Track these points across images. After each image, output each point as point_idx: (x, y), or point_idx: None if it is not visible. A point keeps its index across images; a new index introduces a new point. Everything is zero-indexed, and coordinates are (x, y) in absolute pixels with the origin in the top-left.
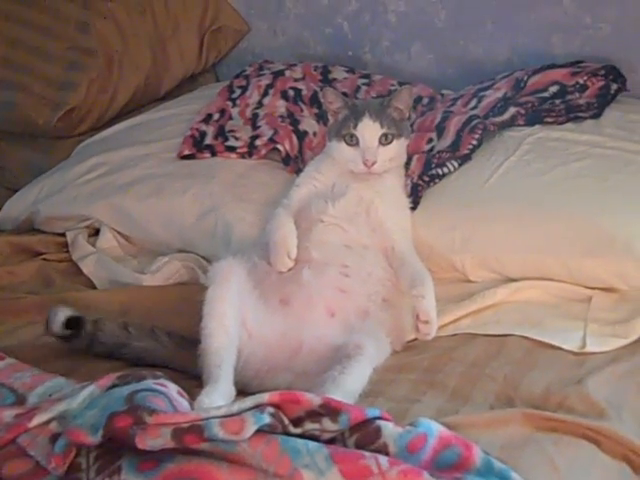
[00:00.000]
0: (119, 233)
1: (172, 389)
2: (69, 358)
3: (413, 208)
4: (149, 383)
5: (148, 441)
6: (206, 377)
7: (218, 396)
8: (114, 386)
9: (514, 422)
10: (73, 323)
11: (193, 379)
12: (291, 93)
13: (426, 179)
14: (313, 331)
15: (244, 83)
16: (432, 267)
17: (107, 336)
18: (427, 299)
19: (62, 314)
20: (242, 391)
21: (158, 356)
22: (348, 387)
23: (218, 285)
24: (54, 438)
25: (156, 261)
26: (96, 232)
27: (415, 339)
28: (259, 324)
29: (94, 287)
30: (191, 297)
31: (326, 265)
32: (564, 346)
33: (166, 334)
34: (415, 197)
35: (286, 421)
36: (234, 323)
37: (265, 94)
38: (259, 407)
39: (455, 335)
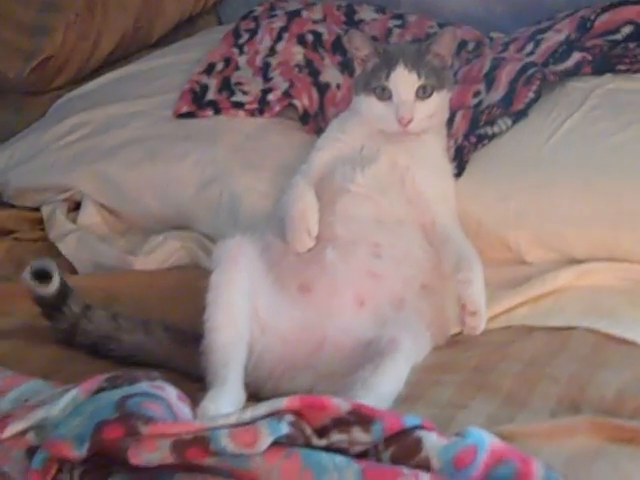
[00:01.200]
0: (104, 207)
1: (171, 393)
2: (46, 356)
3: (458, 175)
4: (144, 386)
5: (143, 455)
6: (211, 379)
7: (225, 401)
8: (101, 390)
9: (581, 432)
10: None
11: (195, 381)
12: (309, 38)
13: (473, 140)
14: (338, 323)
15: (253, 26)
16: (481, 246)
17: (93, 325)
18: (475, 285)
19: (36, 263)
20: (254, 395)
21: (153, 353)
22: (382, 390)
23: (224, 268)
24: (31, 451)
25: (149, 240)
26: (77, 206)
27: (459, 333)
28: (274, 315)
29: (75, 271)
30: (191, 283)
31: (354, 244)
32: None
33: (162, 327)
34: (460, 162)
35: (308, 431)
36: (244, 314)
37: (278, 39)
38: (276, 414)
39: (509, 327)
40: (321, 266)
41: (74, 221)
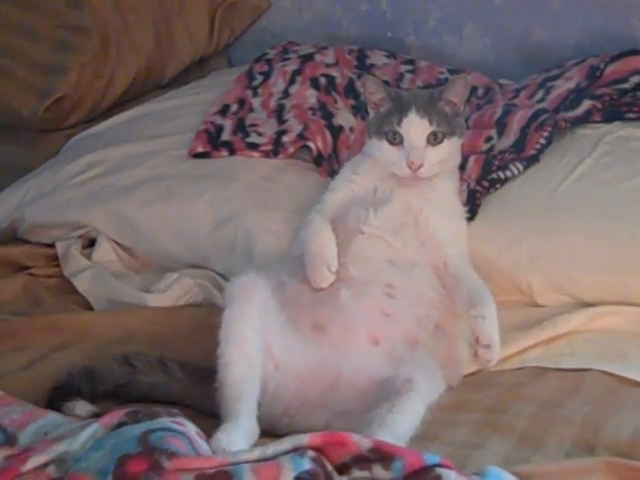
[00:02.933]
0: (119, 244)
1: (191, 429)
2: None
3: (470, 218)
4: (165, 421)
5: None
6: (225, 413)
7: (239, 434)
8: (122, 424)
9: (597, 473)
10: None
11: (211, 418)
12: (323, 81)
13: (485, 184)
14: (353, 362)
15: (266, 68)
16: (493, 288)
17: (108, 374)
18: (488, 320)
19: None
20: (269, 432)
21: (169, 392)
22: (398, 428)
23: (237, 305)
24: None
25: (164, 278)
26: (91, 243)
27: (473, 374)
28: (288, 352)
29: (90, 308)
30: (206, 321)
31: (367, 284)
32: None
33: (178, 365)
34: (472, 205)
35: (329, 467)
36: (257, 350)
37: (292, 82)
38: (298, 450)
39: (522, 369)
40: (335, 306)
41: (89, 258)
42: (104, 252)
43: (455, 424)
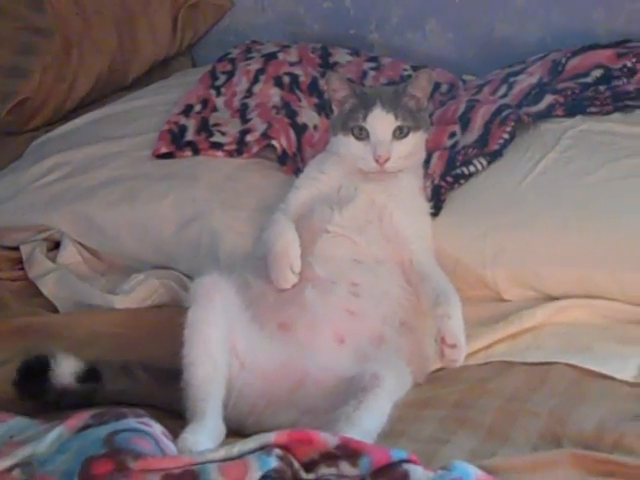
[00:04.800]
0: (84, 247)
1: (157, 429)
2: None
3: (435, 214)
4: (131, 422)
5: None
6: (190, 413)
7: (205, 434)
8: (87, 427)
9: (563, 465)
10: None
11: (178, 418)
12: (286, 80)
13: (449, 180)
14: (319, 360)
15: (229, 68)
16: (458, 284)
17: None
18: (453, 319)
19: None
20: (236, 431)
21: (135, 396)
22: (365, 426)
23: (201, 305)
24: None
25: (129, 279)
26: (56, 245)
27: (440, 370)
28: (253, 352)
29: (55, 310)
30: (172, 321)
31: (332, 283)
32: (617, 376)
33: (142, 368)
34: (437, 201)
35: (296, 465)
36: (222, 349)
37: (255, 81)
38: (264, 449)
39: (488, 364)
40: (301, 305)
41: (53, 261)
42: (69, 254)
43: (422, 420)
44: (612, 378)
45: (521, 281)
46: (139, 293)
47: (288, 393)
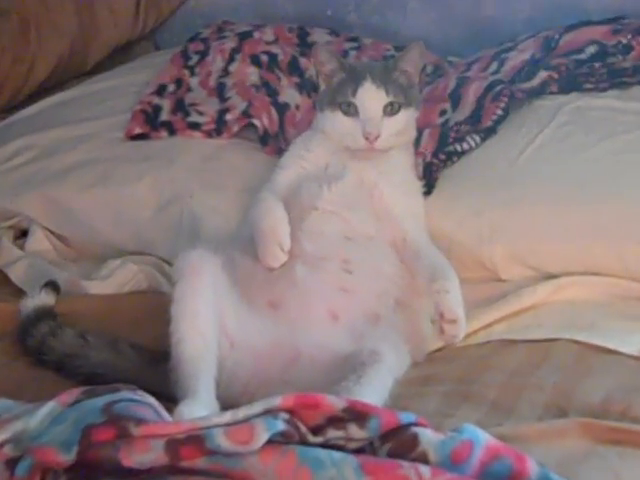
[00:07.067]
0: (53, 233)
1: (153, 401)
2: (12, 379)
3: (427, 192)
4: (127, 393)
5: (135, 457)
6: (182, 392)
7: (200, 407)
8: (79, 401)
9: (571, 433)
10: None
11: (167, 401)
12: (264, 58)
13: (442, 157)
14: (312, 338)
15: (202, 47)
16: (454, 265)
17: (59, 342)
18: (451, 293)
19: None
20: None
21: (122, 372)
22: (367, 399)
23: (188, 280)
24: (12, 463)
25: (106, 265)
26: (23, 234)
27: (439, 350)
28: (243, 330)
29: None
30: (153, 307)
31: (323, 260)
32: (622, 349)
33: (130, 346)
34: (429, 179)
35: (303, 429)
36: (211, 325)
37: (231, 60)
38: (270, 412)
39: (488, 342)
40: (291, 282)
41: (22, 249)
42: (37, 242)
43: (424, 396)
44: (617, 352)
45: (519, 259)
46: (116, 279)
47: (281, 372)
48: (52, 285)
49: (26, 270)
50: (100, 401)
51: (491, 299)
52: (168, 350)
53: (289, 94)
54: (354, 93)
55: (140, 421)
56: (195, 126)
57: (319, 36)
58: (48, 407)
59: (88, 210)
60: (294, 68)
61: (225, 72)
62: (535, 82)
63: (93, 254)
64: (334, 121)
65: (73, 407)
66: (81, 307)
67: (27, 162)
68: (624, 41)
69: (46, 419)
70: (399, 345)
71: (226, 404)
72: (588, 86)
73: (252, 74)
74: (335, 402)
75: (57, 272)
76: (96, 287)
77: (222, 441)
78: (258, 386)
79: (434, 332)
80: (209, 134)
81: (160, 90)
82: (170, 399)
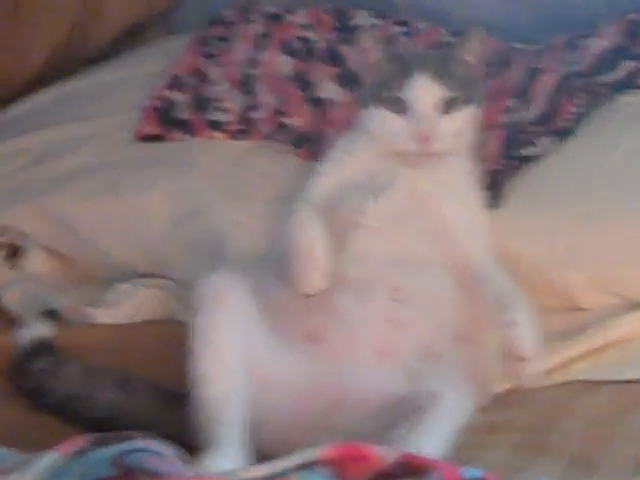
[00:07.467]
0: (51, 252)
1: (170, 452)
2: (5, 422)
3: (493, 205)
4: (138, 443)
5: None
6: (204, 440)
7: (225, 459)
8: (83, 452)
9: None
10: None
11: (186, 450)
12: (298, 45)
13: (509, 164)
14: (359, 377)
15: (224, 32)
16: (522, 290)
17: (59, 380)
18: (522, 326)
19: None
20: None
21: (133, 415)
22: (424, 451)
23: (210, 308)
24: None
25: (113, 289)
26: (15, 252)
27: (507, 393)
28: (276, 367)
29: None
30: (169, 339)
31: (369, 287)
32: None
33: (142, 385)
34: (495, 190)
35: None
36: (237, 361)
37: (259, 47)
38: (308, 466)
39: (567, 384)
40: (331, 312)
41: (14, 270)
42: (32, 262)
43: (491, 446)
44: None
45: (601, 285)
46: (125, 306)
47: (322, 416)
48: (51, 314)
49: (20, 296)
50: (109, 451)
51: (568, 332)
52: (188, 390)
53: (327, 88)
54: (403, 87)
55: (156, 475)
56: (216, 125)
57: (362, 19)
58: (48, 458)
59: (91, 224)
60: (333, 57)
61: (252, 62)
62: (620, 74)
63: (97, 276)
64: (380, 119)
65: (78, 458)
66: (85, 339)
67: (19, 169)
68: None
69: (46, 472)
70: (461, 386)
71: (255, 455)
72: None
73: (284, 64)
74: (386, 454)
75: (56, 298)
76: (102, 315)
77: None
78: (294, 433)
79: (502, 371)
80: (233, 135)
81: (175, 83)
82: (190, 448)
